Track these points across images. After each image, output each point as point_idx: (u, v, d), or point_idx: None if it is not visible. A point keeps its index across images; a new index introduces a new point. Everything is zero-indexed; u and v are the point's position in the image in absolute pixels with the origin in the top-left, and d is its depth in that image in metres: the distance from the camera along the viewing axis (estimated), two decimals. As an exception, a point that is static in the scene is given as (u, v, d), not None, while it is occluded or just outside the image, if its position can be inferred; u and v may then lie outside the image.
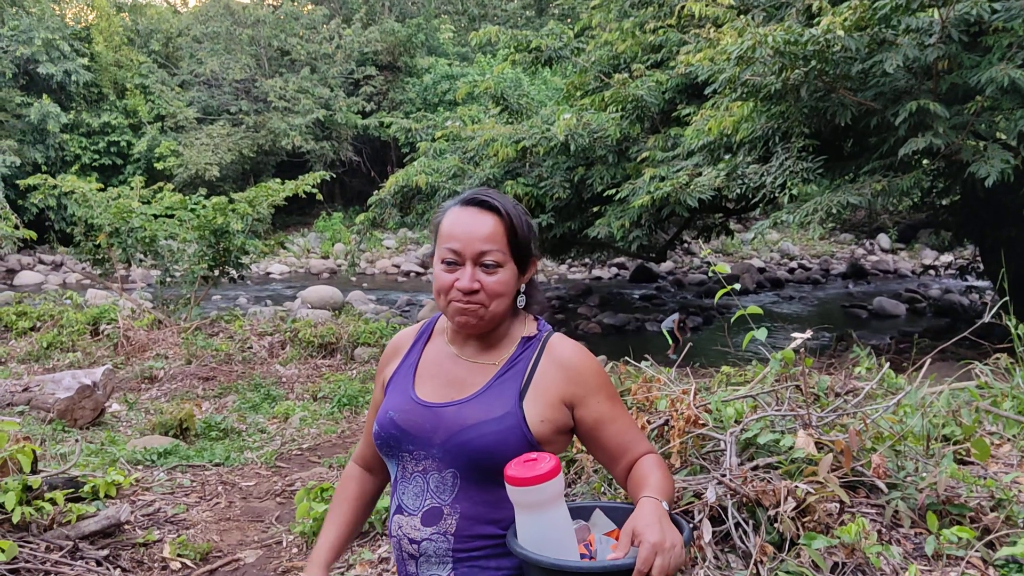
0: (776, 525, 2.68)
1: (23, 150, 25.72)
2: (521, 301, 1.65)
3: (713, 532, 2.78)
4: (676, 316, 11.60)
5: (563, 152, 11.25)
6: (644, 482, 1.50)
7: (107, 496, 4.18)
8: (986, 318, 4.13)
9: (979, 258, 14.53)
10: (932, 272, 21.64)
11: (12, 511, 3.46)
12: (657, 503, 1.41)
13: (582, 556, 1.44)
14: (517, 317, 1.66)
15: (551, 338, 1.63)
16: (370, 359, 9.62)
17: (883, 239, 25.35)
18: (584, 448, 1.92)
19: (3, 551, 3.23)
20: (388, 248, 26.56)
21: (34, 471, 3.79)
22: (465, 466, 1.53)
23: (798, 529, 2.67)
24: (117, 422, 7.11)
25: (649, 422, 3.32)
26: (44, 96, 26.22)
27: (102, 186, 12.29)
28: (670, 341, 11.12)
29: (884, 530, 2.77)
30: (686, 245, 19.55)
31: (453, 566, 1.52)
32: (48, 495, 3.68)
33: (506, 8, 34.51)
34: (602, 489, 3.18)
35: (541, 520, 1.39)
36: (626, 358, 4.59)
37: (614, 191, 10.58)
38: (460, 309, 1.56)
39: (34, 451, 3.80)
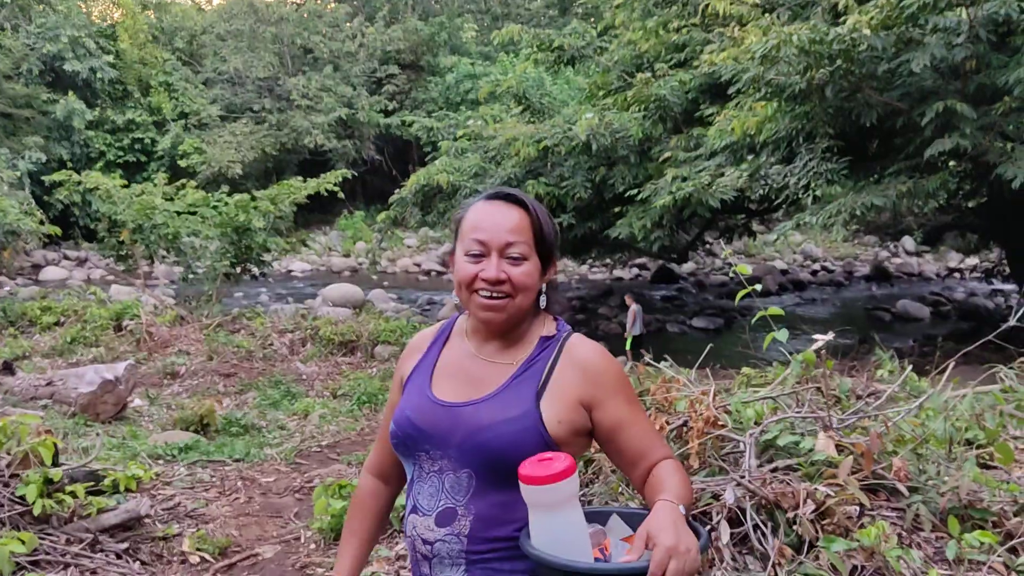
0: (795, 527, 2.65)
1: (49, 147, 26.09)
2: (542, 301, 1.63)
3: (731, 534, 2.75)
4: (639, 307, 11.78)
5: (585, 152, 11.24)
6: (661, 487, 1.47)
7: (127, 490, 4.21)
8: (1012, 321, 4.06)
9: (1005, 261, 14.35)
10: (957, 275, 21.41)
11: (33, 504, 3.49)
12: (673, 507, 1.38)
13: (596, 560, 1.41)
14: (537, 317, 1.64)
15: (570, 338, 1.60)
16: (390, 357, 9.65)
17: (908, 241, 25.10)
18: (604, 454, 1.90)
19: (24, 543, 3.26)
20: (409, 247, 26.67)
21: (55, 464, 3.81)
22: (481, 466, 1.51)
23: (817, 532, 2.64)
24: (139, 417, 7.17)
25: (668, 423, 3.30)
26: (70, 93, 26.57)
27: (126, 183, 12.44)
28: (628, 343, 11.31)
29: (905, 534, 2.73)
30: (708, 246, 19.47)
31: (466, 568, 1.50)
32: (69, 488, 3.70)
33: (529, 7, 34.55)
34: (620, 490, 3.16)
35: (555, 521, 1.37)
36: (646, 358, 4.55)
37: (636, 191, 10.55)
38: (485, 304, 1.54)
39: (55, 444, 3.83)
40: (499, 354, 1.61)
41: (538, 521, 1.38)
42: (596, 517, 1.52)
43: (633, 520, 1.50)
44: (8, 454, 3.74)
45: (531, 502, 1.38)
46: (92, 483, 3.97)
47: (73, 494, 3.68)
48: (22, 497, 3.53)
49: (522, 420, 1.50)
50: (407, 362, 1.72)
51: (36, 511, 3.49)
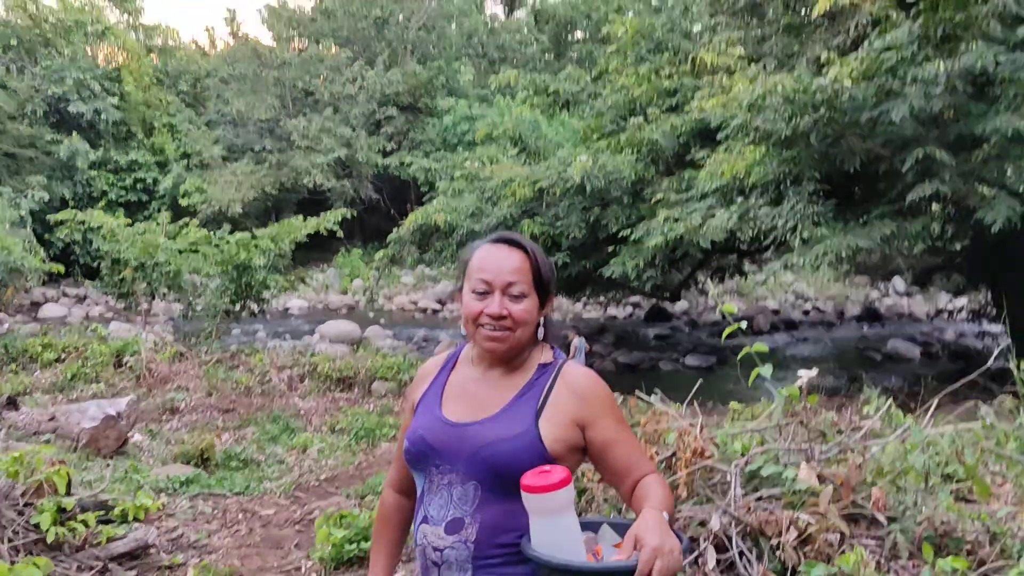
0: (778, 554, 2.79)
1: (52, 186, 26.21)
2: (540, 333, 1.84)
3: (718, 560, 2.89)
4: (581, 341, 11.96)
5: (579, 193, 11.47)
6: (647, 497, 1.66)
7: (135, 519, 4.33)
8: (991, 363, 4.23)
9: (991, 302, 14.55)
10: (946, 316, 21.58)
11: (47, 531, 3.62)
12: (658, 513, 1.55)
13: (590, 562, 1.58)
14: (536, 347, 1.84)
15: (566, 365, 1.82)
16: (387, 393, 9.76)
17: (898, 282, 25.30)
18: (595, 470, 2.08)
19: (39, 567, 3.38)
20: (406, 284, 26.78)
21: (67, 493, 3.94)
22: (486, 479, 1.69)
23: (799, 558, 2.78)
24: (140, 452, 7.26)
25: (657, 453, 3.45)
26: (74, 134, 26.80)
27: (129, 222, 12.60)
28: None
29: (883, 561, 2.87)
30: (700, 285, 19.63)
31: (473, 572, 1.68)
32: (80, 517, 3.83)
33: (525, 52, 35.09)
34: (611, 516, 3.30)
35: (553, 525, 1.55)
36: (638, 392, 4.70)
37: (629, 231, 10.76)
38: (489, 336, 1.74)
39: (68, 474, 3.96)
40: (502, 379, 1.80)
41: (538, 526, 1.56)
42: (589, 526, 1.70)
43: (621, 530, 1.69)
44: (21, 484, 3.87)
45: (532, 509, 1.56)
46: (102, 512, 4.09)
47: (84, 523, 3.81)
48: (36, 525, 3.66)
49: (523, 437, 1.69)
50: (418, 388, 1.91)
51: (49, 538, 3.61)
